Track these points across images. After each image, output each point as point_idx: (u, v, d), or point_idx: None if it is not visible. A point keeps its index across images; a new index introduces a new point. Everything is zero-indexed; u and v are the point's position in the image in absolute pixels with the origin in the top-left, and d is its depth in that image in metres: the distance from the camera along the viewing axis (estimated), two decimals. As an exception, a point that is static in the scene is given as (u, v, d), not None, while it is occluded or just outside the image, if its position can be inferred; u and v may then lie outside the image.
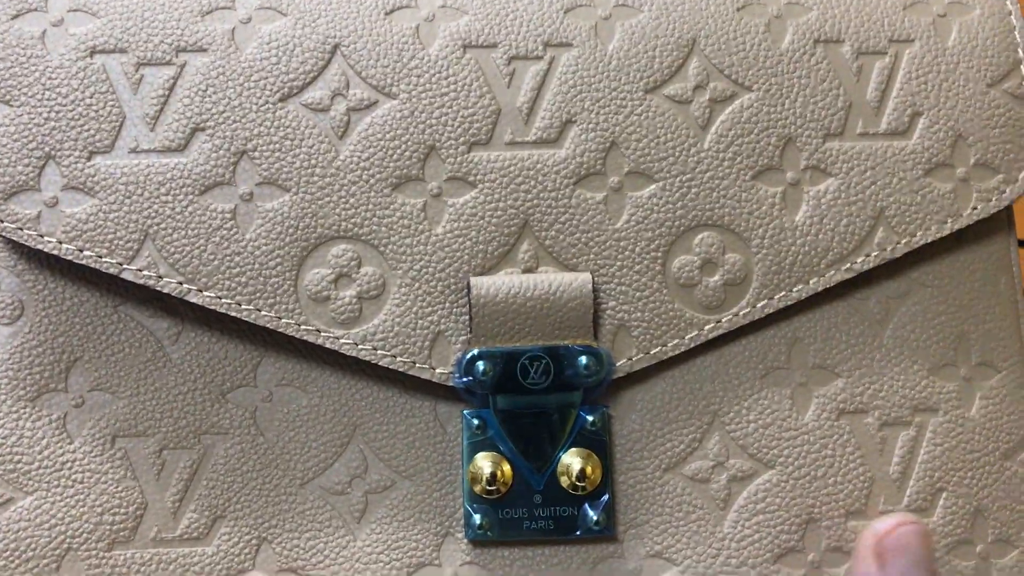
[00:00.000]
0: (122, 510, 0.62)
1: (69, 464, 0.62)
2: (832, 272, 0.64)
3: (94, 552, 0.62)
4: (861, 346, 0.65)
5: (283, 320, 0.62)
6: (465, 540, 0.63)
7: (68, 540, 0.62)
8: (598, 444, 0.63)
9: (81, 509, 0.62)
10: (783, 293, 0.64)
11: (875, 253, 0.64)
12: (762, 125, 0.64)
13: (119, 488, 0.62)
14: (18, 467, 0.62)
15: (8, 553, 0.62)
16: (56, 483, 0.62)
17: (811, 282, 0.64)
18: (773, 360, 0.65)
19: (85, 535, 0.62)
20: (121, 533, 0.62)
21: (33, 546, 0.62)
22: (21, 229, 0.61)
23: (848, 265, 0.64)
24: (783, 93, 0.65)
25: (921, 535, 0.57)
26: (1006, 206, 0.66)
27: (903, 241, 0.65)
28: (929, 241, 0.65)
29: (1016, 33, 0.67)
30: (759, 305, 0.64)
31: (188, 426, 0.63)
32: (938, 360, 0.65)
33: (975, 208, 0.65)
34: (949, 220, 0.65)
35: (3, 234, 0.61)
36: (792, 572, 0.64)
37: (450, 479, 0.63)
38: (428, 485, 0.63)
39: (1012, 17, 0.67)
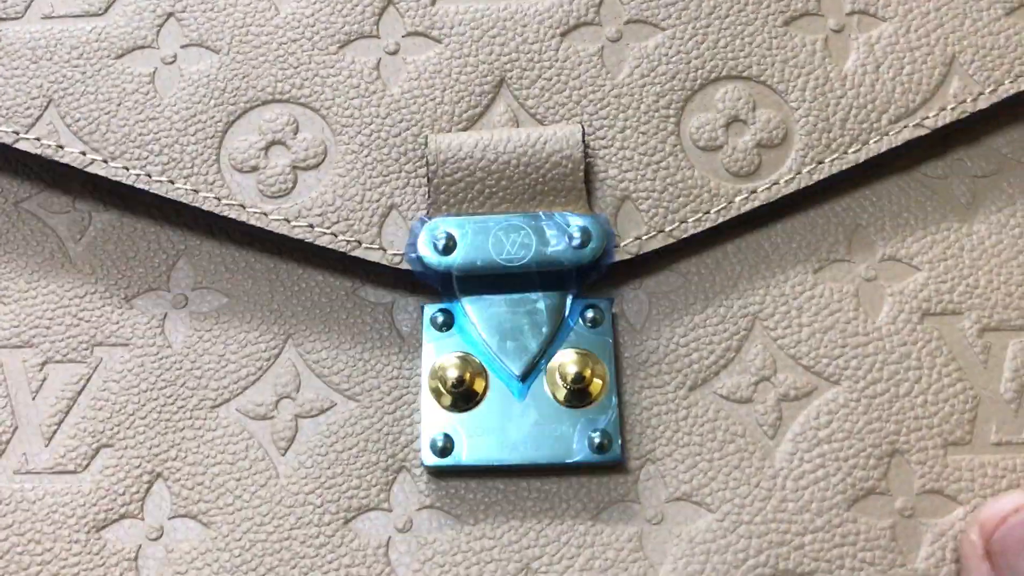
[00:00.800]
0: (-23, 431, 0.31)
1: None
2: (897, 128, 0.32)
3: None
4: (945, 234, 0.32)
5: (200, 194, 0.32)
6: (425, 477, 0.30)
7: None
8: (600, 346, 0.30)
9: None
10: (836, 156, 0.32)
11: (951, 106, 0.32)
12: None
13: (-22, 404, 0.31)
14: None
15: None
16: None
17: (871, 142, 0.32)
18: (830, 250, 0.32)
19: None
20: (-29, 461, 0.31)
21: None
22: None
23: (917, 120, 0.32)
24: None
25: None
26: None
27: (987, 91, 0.32)
28: (1020, 91, 0.32)
29: None
30: (805, 170, 0.32)
31: (81, 335, 0.32)
32: (1050, 245, 0.31)
33: (1076, 55, 0.33)
34: (1044, 69, 0.32)
35: None
36: (874, 523, 0.29)
37: (407, 399, 0.31)
38: (378, 407, 0.31)
39: None
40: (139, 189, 0.30)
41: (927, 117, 0.30)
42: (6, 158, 0.33)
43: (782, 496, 0.28)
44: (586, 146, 0.30)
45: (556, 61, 0.31)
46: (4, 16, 0.32)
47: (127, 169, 0.30)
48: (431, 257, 0.29)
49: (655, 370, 0.29)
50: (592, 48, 0.31)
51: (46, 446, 0.29)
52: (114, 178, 0.30)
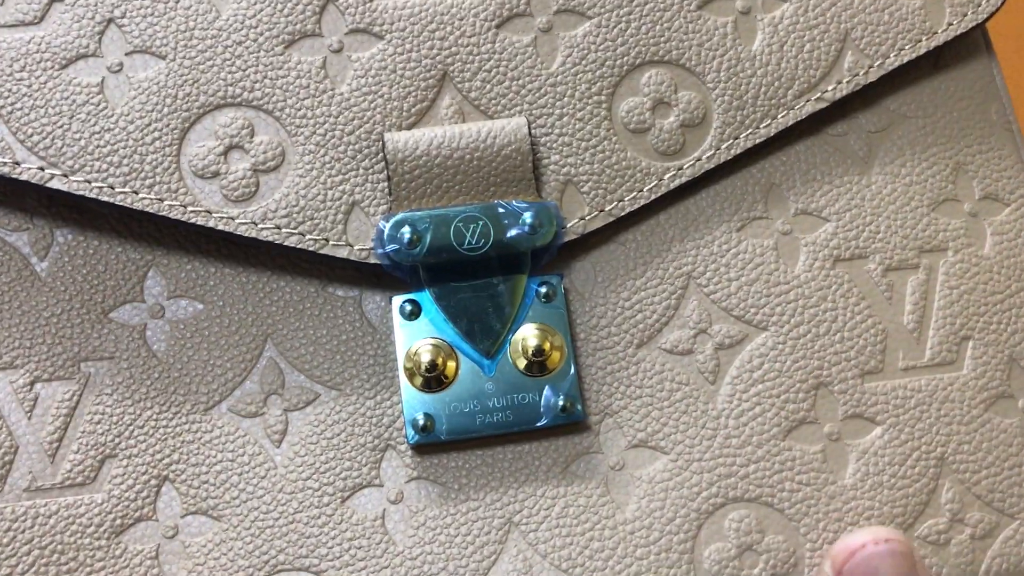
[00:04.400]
0: (-25, 453, 0.32)
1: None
2: (802, 103, 0.35)
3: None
4: (848, 186, 0.35)
5: (166, 202, 0.33)
6: (409, 453, 0.33)
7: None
8: (556, 318, 0.33)
9: (-78, 456, 0.32)
10: (749, 131, 0.35)
11: (847, 79, 0.35)
12: (699, -43, 0.36)
13: (-28, 427, 0.32)
14: None
15: None
16: None
17: (779, 116, 0.35)
18: (749, 209, 0.35)
19: (-74, 488, 0.31)
20: (-25, 482, 0.32)
21: None
22: None
23: (819, 94, 0.35)
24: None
25: (896, 556, 0.27)
26: (982, 26, 0.37)
27: (876, 64, 0.36)
28: (904, 63, 0.36)
29: None
30: (723, 146, 0.35)
31: (65, 353, 0.33)
32: (936, 195, 0.36)
33: (950, 24, 0.37)
34: (923, 39, 0.36)
35: None
36: (806, 448, 0.33)
37: (385, 383, 0.33)
38: (360, 393, 0.33)
39: None
40: (103, 202, 0.31)
41: (826, 91, 0.34)
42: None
43: (726, 434, 0.32)
44: (531, 136, 0.32)
45: (494, 53, 0.33)
46: (-65, 34, 0.32)
47: (89, 183, 0.31)
48: (398, 251, 0.31)
49: (605, 333, 0.32)
50: (526, 39, 0.33)
51: (51, 463, 0.30)
52: (77, 193, 0.31)
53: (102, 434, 0.31)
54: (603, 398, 0.32)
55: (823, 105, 0.34)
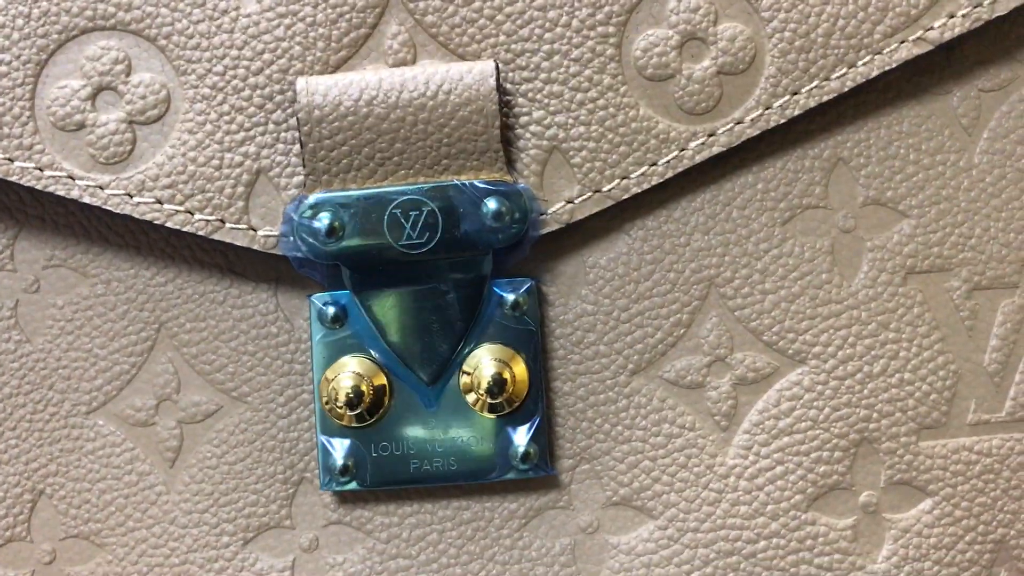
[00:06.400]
0: None
1: None
2: (893, 44, 0.25)
3: None
4: (940, 168, 0.25)
5: (16, 163, 0.25)
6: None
7: None
8: (523, 337, 0.25)
9: None
10: (815, 83, 0.25)
11: (963, 11, 0.25)
12: None
13: None
14: None
15: None
16: None
17: (860, 63, 0.25)
18: (802, 194, 0.26)
19: None
20: None
21: None
22: None
23: (919, 32, 0.25)
24: None
25: None
26: None
27: None
28: None
29: None
30: (776, 104, 0.25)
31: None
32: (1065, 184, 0.26)
33: None
34: (1087, -47, 0.25)
35: None
36: (834, 523, 0.25)
37: (303, 398, 0.26)
38: (270, 409, 0.26)
39: None
40: (-62, 157, 0.23)
41: (931, 27, 0.23)
42: None
43: (734, 498, 0.24)
44: (502, 87, 0.23)
45: (460, -40, 0.23)
46: None
47: (-84, 131, 0.23)
48: (312, 245, 0.23)
49: (591, 352, 0.24)
50: (506, -60, 0.23)
51: None
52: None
53: (-36, 436, 0.25)
54: (580, 437, 0.24)
55: (925, 48, 0.23)
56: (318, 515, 0.25)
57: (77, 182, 0.24)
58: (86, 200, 0.24)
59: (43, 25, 0.24)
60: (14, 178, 0.24)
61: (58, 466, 0.25)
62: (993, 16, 0.23)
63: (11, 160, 0.24)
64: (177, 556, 0.25)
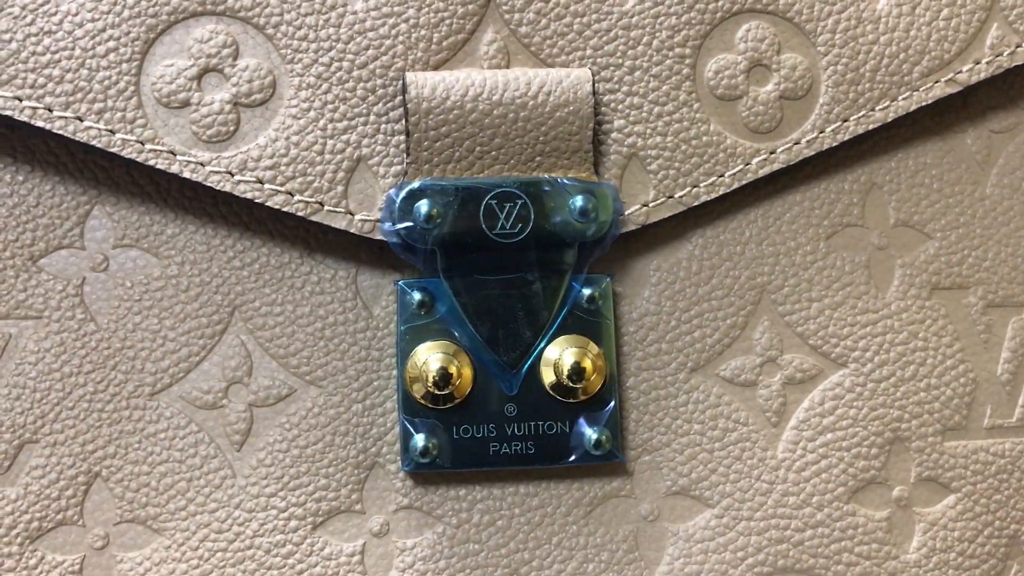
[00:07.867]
0: None
1: None
2: (928, 83, 0.28)
3: None
4: (959, 198, 0.29)
5: (118, 135, 0.25)
6: (401, 475, 0.26)
7: None
8: (599, 330, 0.27)
9: None
10: (863, 112, 0.28)
11: (987, 59, 0.28)
12: None
13: None
14: None
15: None
16: None
17: (900, 98, 0.28)
18: (843, 213, 0.28)
19: None
20: None
21: None
22: None
23: (950, 75, 0.28)
24: None
25: None
26: None
27: None
28: None
29: None
30: (829, 129, 0.28)
31: None
32: (1064, 216, 0.29)
33: (1118, 3, 0.29)
34: (1085, 18, 0.29)
35: None
36: (871, 514, 0.27)
37: (378, 384, 0.27)
38: (344, 394, 0.26)
39: None
40: (38, 128, 0.23)
41: (960, 71, 0.26)
42: None
43: (784, 489, 0.26)
44: (596, 95, 0.25)
45: (555, -21, 0.25)
46: None
47: (19, 100, 0.23)
48: (412, 229, 0.24)
49: (654, 350, 0.26)
50: (597, -36, 0.25)
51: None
52: (4, 113, 0.23)
53: (21, 413, 0.24)
54: (643, 430, 0.26)
55: (954, 89, 0.26)
56: (389, 500, 0.25)
57: (178, 157, 0.24)
58: (186, 175, 0.24)
59: (153, 5, 0.24)
60: (115, 149, 0.24)
61: (116, 448, 0.25)
62: (1012, 65, 0.27)
63: (112, 132, 0.24)
64: (242, 541, 0.25)
